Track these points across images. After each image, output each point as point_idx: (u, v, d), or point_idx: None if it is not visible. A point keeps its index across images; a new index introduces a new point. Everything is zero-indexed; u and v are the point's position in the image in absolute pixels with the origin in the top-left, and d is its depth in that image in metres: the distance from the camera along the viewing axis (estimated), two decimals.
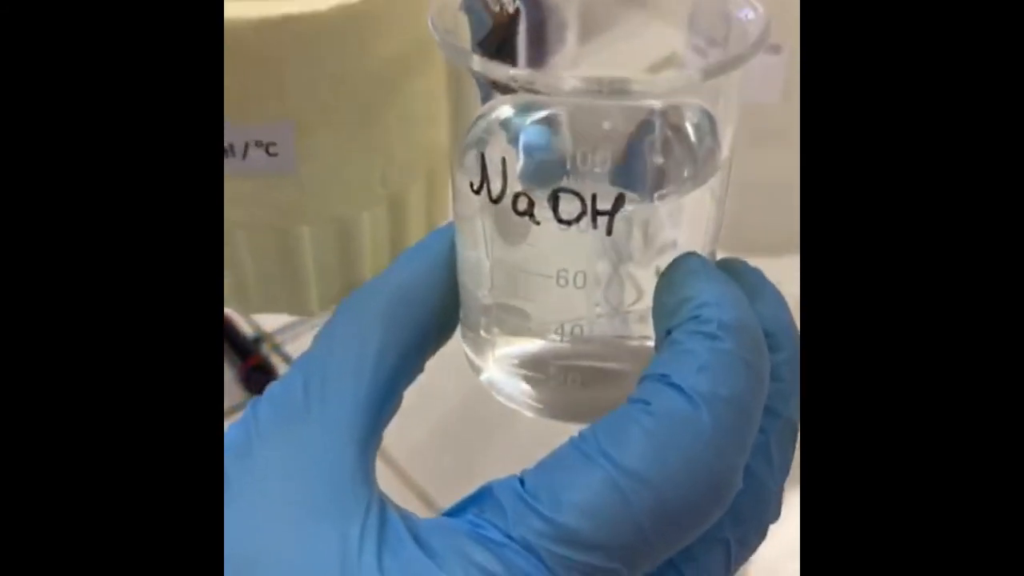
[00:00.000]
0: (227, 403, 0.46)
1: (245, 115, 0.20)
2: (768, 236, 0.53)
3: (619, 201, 0.18)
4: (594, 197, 0.18)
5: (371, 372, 0.20)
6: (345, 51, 0.20)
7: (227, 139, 0.20)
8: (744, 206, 0.53)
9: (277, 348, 0.48)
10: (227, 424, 0.45)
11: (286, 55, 0.19)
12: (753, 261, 0.56)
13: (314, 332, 0.50)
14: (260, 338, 0.48)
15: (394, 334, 0.20)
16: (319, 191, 0.21)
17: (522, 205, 0.18)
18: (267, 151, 0.20)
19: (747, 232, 0.53)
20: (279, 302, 0.24)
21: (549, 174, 0.19)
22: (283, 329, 0.49)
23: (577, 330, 0.20)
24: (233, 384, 0.46)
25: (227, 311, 0.49)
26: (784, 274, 0.40)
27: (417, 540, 0.18)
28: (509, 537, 0.18)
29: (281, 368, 0.47)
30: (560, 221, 0.18)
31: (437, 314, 0.21)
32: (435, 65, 0.21)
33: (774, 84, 0.47)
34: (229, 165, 0.20)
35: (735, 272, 0.22)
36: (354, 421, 0.19)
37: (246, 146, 0.20)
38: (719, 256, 0.26)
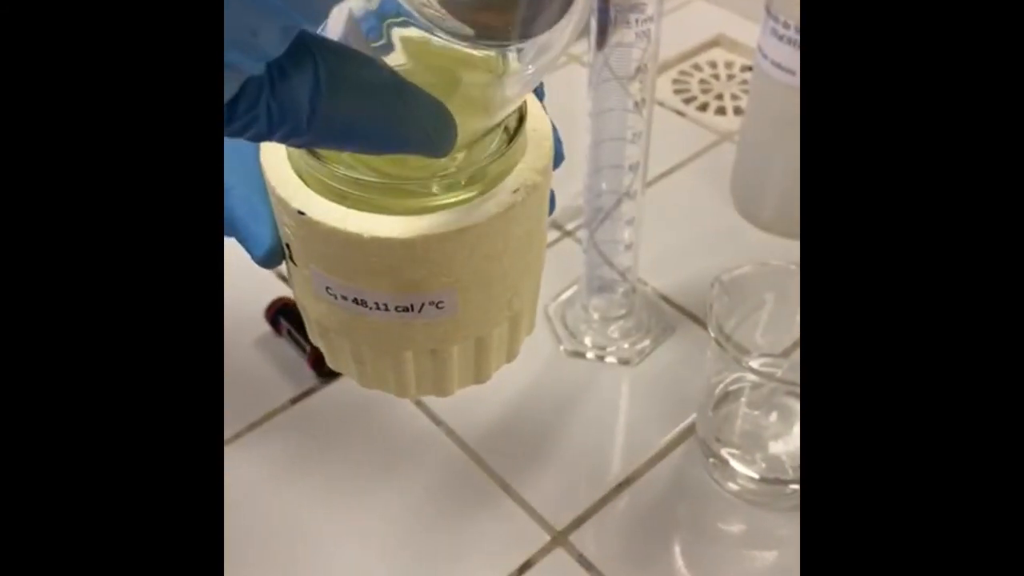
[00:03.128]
0: (300, 388, 0.48)
1: (422, 289, 0.26)
2: None
3: None
4: None
5: None
6: (496, 238, 0.26)
7: (408, 301, 0.27)
8: (794, 190, 0.53)
9: None
10: (295, 408, 0.46)
11: (457, 251, 0.26)
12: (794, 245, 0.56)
13: None
14: None
15: None
16: (469, 323, 0.28)
17: None
18: (436, 306, 0.27)
19: (796, 214, 0.54)
20: (428, 388, 0.31)
21: None
22: None
23: None
24: (304, 369, 0.48)
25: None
26: None
27: None
28: None
29: None
30: None
31: None
32: (545, 226, 0.29)
33: None
34: (406, 317, 0.27)
35: None
36: None
37: (422, 305, 0.27)
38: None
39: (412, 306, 0.27)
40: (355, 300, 0.26)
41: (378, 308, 0.27)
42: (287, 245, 0.27)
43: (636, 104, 0.40)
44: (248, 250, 0.28)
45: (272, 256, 0.28)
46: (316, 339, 0.31)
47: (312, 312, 0.29)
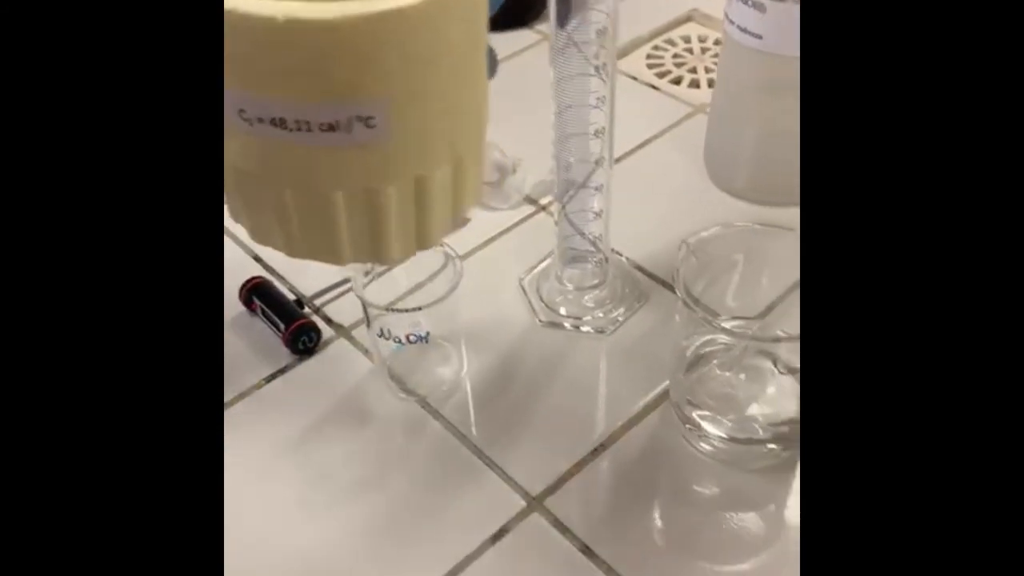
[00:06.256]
0: (275, 367, 0.48)
1: (351, 95, 0.23)
2: (795, 182, 0.54)
3: None
4: None
5: None
6: (430, 37, 0.23)
7: (335, 116, 0.23)
8: (766, 156, 0.53)
9: (319, 311, 0.50)
10: (272, 385, 0.46)
11: (387, 44, 0.22)
12: (774, 212, 0.57)
13: (350, 295, 0.51)
14: (301, 301, 0.50)
15: None
16: (405, 154, 0.25)
17: None
18: (366, 124, 0.23)
19: (770, 180, 0.54)
20: (365, 252, 0.27)
21: None
22: (321, 293, 0.51)
23: None
24: (279, 347, 0.48)
25: (267, 278, 0.51)
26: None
27: None
28: None
29: (324, 329, 0.49)
30: None
31: None
32: (483, 47, 0.26)
33: (796, 36, 0.48)
34: (335, 138, 0.23)
35: None
36: None
37: (350, 121, 0.23)
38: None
39: (338, 123, 0.23)
40: (273, 121, 0.23)
41: (300, 128, 0.23)
42: None
43: (597, 68, 0.40)
44: None
45: None
46: (234, 200, 0.27)
47: (228, 154, 0.25)
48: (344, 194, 0.25)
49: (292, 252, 0.27)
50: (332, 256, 0.27)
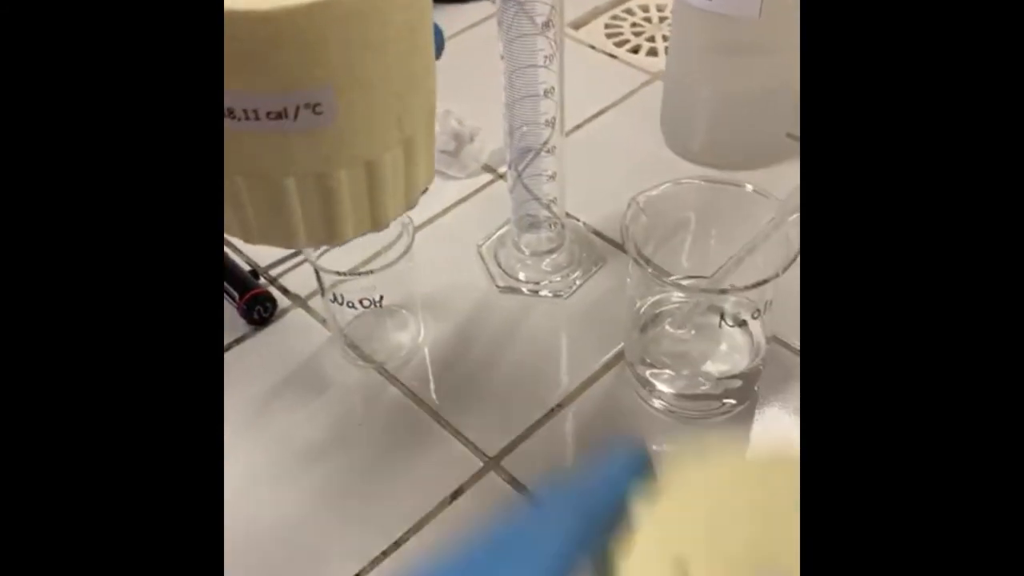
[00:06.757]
0: (231, 337, 0.48)
1: (296, 84, 0.23)
2: (750, 144, 0.54)
3: None
4: None
5: None
6: (371, 24, 0.23)
7: (282, 104, 0.23)
8: (719, 118, 0.54)
9: (274, 281, 0.50)
10: (228, 356, 0.46)
11: (328, 33, 0.23)
12: (729, 174, 0.57)
13: (305, 265, 0.50)
14: (256, 271, 0.50)
15: None
16: (354, 139, 0.25)
17: None
18: (313, 111, 0.24)
19: (724, 142, 0.54)
20: (319, 236, 0.27)
21: None
22: (277, 263, 0.51)
23: None
24: (235, 317, 0.48)
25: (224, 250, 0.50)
26: (768, 182, 0.41)
27: None
28: None
29: (280, 299, 0.49)
30: None
31: None
32: (428, 28, 0.26)
33: None
34: (281, 126, 0.24)
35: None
36: None
37: (297, 108, 0.24)
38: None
39: (286, 111, 0.24)
40: None
41: (248, 118, 0.24)
42: None
43: (543, 27, 0.40)
44: None
45: None
46: None
47: None
48: (295, 180, 0.25)
49: (248, 238, 0.28)
50: (287, 241, 0.27)
